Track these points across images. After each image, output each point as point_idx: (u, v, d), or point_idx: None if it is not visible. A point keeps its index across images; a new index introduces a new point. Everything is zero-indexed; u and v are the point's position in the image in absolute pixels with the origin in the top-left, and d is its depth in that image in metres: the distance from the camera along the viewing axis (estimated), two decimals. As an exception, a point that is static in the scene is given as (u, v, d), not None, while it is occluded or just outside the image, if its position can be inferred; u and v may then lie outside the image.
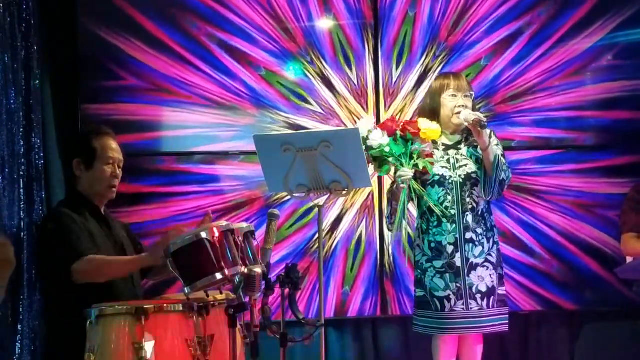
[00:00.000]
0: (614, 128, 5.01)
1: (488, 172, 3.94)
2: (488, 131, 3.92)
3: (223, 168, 4.80)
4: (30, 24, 4.16)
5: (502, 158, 3.96)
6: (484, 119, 3.86)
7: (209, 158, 4.79)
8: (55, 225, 3.49)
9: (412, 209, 4.18)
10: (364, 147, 3.74)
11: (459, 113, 3.97)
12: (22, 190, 3.99)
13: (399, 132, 3.87)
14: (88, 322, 3.03)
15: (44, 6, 4.38)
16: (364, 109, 4.89)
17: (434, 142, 3.97)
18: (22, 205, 3.97)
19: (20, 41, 4.07)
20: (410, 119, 4.73)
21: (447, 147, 4.04)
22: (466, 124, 3.93)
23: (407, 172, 3.84)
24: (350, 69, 4.88)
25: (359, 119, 4.83)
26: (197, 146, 4.77)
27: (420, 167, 3.88)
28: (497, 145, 3.98)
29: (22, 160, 4.03)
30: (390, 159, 3.85)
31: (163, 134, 4.79)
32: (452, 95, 4.01)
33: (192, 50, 4.76)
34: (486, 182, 3.96)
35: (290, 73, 4.85)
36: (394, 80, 4.89)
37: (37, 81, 4.19)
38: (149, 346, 2.95)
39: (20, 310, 3.90)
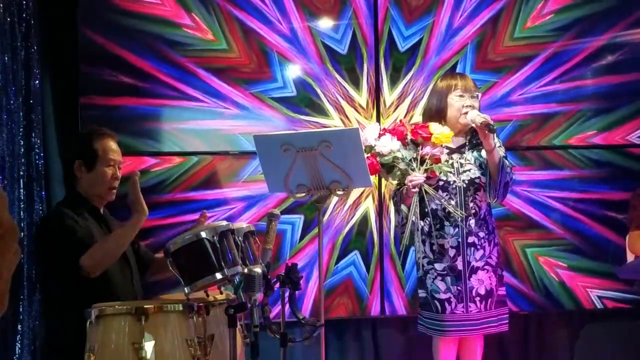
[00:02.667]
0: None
1: (493, 174, 3.93)
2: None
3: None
4: (30, 24, 4.16)
5: (506, 160, 3.95)
6: (492, 122, 3.84)
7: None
8: (57, 223, 3.49)
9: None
10: (368, 153, 3.75)
11: (466, 113, 3.95)
12: (22, 190, 3.99)
13: (409, 136, 3.87)
14: (88, 322, 3.03)
15: (44, 6, 4.38)
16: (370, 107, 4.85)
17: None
18: (22, 205, 3.97)
19: (20, 41, 4.07)
20: (404, 117, 4.74)
21: (451, 151, 4.01)
22: (473, 124, 3.91)
23: (419, 176, 3.83)
24: (362, 68, 4.84)
25: (360, 125, 4.79)
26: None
27: (438, 173, 3.87)
28: (500, 146, 3.98)
29: (22, 160, 4.03)
30: (401, 165, 3.84)
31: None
32: (460, 96, 3.98)
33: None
34: (491, 186, 3.94)
35: (301, 63, 4.79)
36: (386, 82, 4.85)
37: (37, 81, 4.19)
38: (149, 346, 2.95)
39: (20, 310, 3.89)
